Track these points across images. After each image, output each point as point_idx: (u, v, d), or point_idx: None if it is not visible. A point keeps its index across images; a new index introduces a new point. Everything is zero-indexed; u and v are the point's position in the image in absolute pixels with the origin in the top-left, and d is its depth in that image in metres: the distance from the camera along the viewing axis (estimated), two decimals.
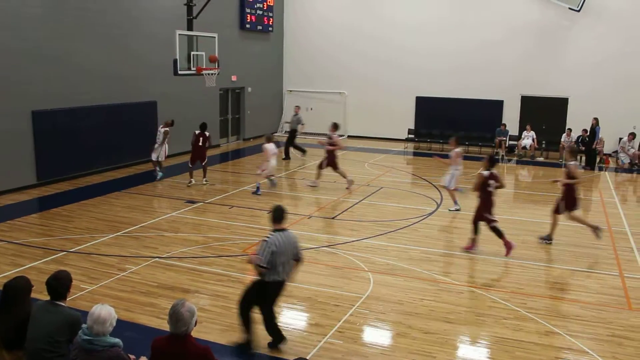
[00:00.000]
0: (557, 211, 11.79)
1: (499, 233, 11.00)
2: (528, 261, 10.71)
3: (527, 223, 13.21)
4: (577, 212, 11.82)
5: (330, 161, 16.24)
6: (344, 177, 16.14)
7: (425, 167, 20.56)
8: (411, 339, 7.56)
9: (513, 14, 23.85)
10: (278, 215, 7.01)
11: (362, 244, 11.52)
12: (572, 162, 11.85)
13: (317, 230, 12.49)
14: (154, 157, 16.91)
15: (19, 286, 5.49)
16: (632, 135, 21.17)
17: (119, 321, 7.76)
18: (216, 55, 16.32)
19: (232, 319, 8.03)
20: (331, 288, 9.21)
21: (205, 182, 16.54)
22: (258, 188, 15.57)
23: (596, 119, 21.30)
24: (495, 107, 24.61)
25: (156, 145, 16.75)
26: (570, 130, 22.15)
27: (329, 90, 27.65)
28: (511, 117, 24.25)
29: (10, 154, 14.78)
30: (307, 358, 6.61)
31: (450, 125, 24.69)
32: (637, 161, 21.07)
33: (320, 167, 16.42)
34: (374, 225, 12.99)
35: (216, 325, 7.86)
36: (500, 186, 11.28)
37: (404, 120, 25.89)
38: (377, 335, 7.82)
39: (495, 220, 11.04)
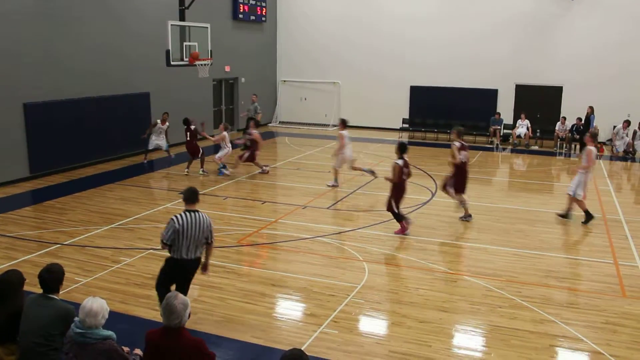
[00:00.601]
0: (444, 188, 12.75)
1: (399, 217, 11.36)
2: (523, 249, 10.73)
3: (522, 211, 13.22)
4: (452, 191, 12.51)
5: (251, 156, 16.53)
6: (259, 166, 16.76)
7: (420, 156, 20.53)
8: (406, 328, 7.57)
9: (507, 3, 23.76)
10: (187, 196, 7.15)
11: (357, 234, 11.51)
12: (457, 144, 12.35)
13: (311, 220, 12.47)
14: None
15: (11, 280, 5.46)
16: (627, 123, 21.18)
17: (113, 313, 7.76)
18: (197, 52, 16.18)
19: (228, 310, 8.05)
20: (326, 278, 9.20)
21: (201, 173, 16.49)
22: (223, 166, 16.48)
23: (591, 108, 21.29)
24: (489, 96, 24.58)
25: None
26: (564, 118, 22.15)
27: (322, 80, 27.57)
28: (505, 106, 24.21)
29: (3, 147, 14.68)
30: (302, 348, 6.59)
31: (444, 114, 24.70)
32: (631, 149, 21.11)
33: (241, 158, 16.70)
34: (368, 214, 12.98)
35: (211, 316, 7.85)
36: (410, 174, 11.61)
37: (398, 110, 25.85)
38: (372, 325, 7.82)
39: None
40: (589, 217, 12.27)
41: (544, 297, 8.63)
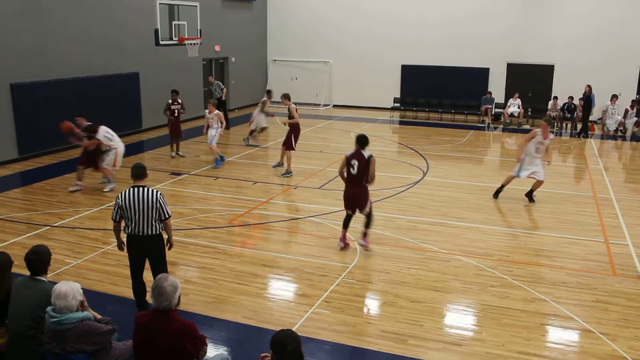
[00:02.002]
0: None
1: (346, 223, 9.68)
2: (514, 229, 10.75)
3: (513, 191, 13.21)
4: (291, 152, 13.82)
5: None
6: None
7: (412, 136, 20.50)
8: (398, 308, 7.57)
9: None
10: (133, 172, 7.14)
11: None
12: (292, 104, 14.07)
13: (303, 200, 12.43)
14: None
15: None
16: (616, 97, 21.08)
17: (104, 295, 7.77)
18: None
19: (219, 290, 8.02)
20: (317, 258, 9.18)
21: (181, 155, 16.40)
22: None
23: (589, 86, 20.92)
24: (481, 75, 24.49)
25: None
26: (556, 98, 22.12)
27: (313, 60, 27.37)
28: (497, 85, 24.15)
29: None
30: (294, 329, 6.59)
31: (436, 93, 24.67)
32: (621, 128, 21.12)
33: None
34: None
35: (202, 297, 7.82)
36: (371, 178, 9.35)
37: (390, 89, 25.74)
38: (364, 305, 7.81)
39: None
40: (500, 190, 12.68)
41: (535, 276, 8.65)
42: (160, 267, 7.08)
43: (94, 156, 12.95)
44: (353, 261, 9.07)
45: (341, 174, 9.52)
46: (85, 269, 8.71)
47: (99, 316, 5.14)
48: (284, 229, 10.68)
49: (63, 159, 15.98)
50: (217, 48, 23.78)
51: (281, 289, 8.30)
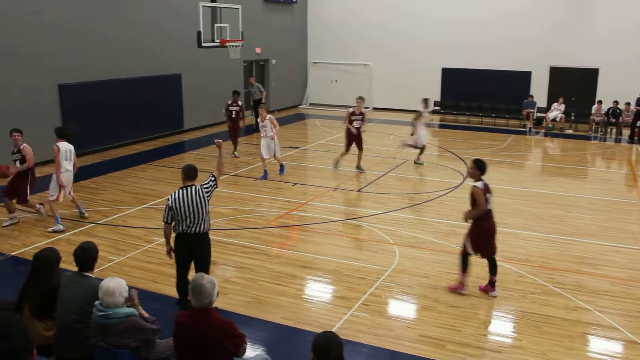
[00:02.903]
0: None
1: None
2: (556, 235, 10.56)
3: (555, 196, 13.01)
4: None
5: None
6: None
7: (452, 139, 20.33)
8: (437, 313, 7.52)
9: None
10: (183, 173, 7.28)
11: (387, 217, 11.46)
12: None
13: (342, 203, 12.45)
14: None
15: (48, 258, 5.55)
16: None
17: (146, 292, 7.89)
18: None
19: (258, 291, 8.09)
20: (357, 261, 9.19)
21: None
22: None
23: None
24: (523, 79, 24.13)
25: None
26: (600, 102, 21.67)
27: (353, 62, 27.37)
28: (539, 89, 23.75)
29: (39, 128, 14.86)
30: (333, 330, 6.60)
31: (476, 97, 24.41)
32: None
33: None
34: (399, 197, 12.91)
35: (241, 297, 7.90)
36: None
37: (430, 92, 25.30)
38: (402, 309, 7.79)
39: None
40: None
41: (577, 284, 8.50)
42: (203, 265, 7.22)
43: (20, 184, 10.78)
44: (392, 264, 9.05)
45: (483, 209, 8.04)
46: (127, 266, 8.89)
47: (146, 314, 5.25)
48: (323, 231, 10.71)
49: (107, 158, 16.32)
50: (257, 50, 23.98)
51: (320, 290, 8.33)
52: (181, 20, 18.73)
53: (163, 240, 9.85)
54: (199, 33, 15.17)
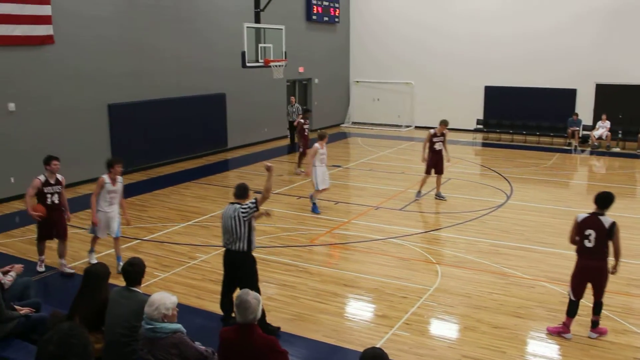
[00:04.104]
0: None
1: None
2: None
3: None
4: None
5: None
6: None
7: (495, 158, 20.12)
8: (480, 333, 7.45)
9: None
10: (235, 191, 7.50)
11: (429, 236, 11.41)
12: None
13: (384, 221, 12.44)
14: None
15: (98, 272, 5.74)
16: None
17: (189, 308, 8.03)
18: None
19: (300, 308, 8.14)
20: (398, 280, 9.17)
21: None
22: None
23: None
24: (567, 96, 23.76)
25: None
26: None
27: (396, 81, 27.40)
28: (585, 106, 23.32)
29: (89, 146, 15.38)
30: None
31: (520, 115, 24.13)
32: None
33: None
34: (441, 216, 12.84)
35: (283, 314, 7.96)
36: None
37: (473, 111, 25.38)
38: (444, 328, 7.73)
39: None
40: None
41: (626, 306, 8.30)
42: (246, 285, 7.28)
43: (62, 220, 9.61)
44: (434, 284, 9.00)
45: (572, 242, 7.58)
46: (172, 282, 9.05)
47: (202, 347, 5.22)
48: (364, 250, 10.72)
49: (153, 175, 16.69)
50: (300, 70, 24.24)
51: (361, 309, 8.33)
52: (226, 41, 19.12)
53: (206, 257, 10.12)
54: (243, 53, 15.43)
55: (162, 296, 4.98)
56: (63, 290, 8.88)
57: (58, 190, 9.32)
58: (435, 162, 14.04)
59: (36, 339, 6.09)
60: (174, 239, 11.12)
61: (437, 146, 14.04)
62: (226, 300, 7.49)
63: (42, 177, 9.19)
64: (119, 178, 9.59)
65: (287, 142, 22.45)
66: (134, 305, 5.32)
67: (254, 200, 7.35)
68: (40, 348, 3.14)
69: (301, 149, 17.06)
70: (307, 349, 7.12)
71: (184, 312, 7.66)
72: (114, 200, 9.50)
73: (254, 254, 7.46)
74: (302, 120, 17.38)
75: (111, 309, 5.47)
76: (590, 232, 7.19)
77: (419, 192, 14.29)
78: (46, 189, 9.17)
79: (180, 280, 9.14)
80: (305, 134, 17.16)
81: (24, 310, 6.29)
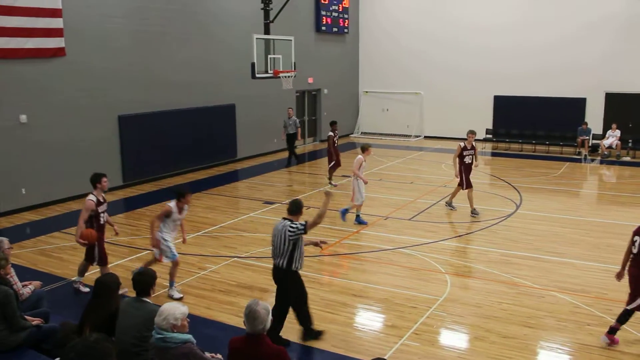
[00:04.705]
0: None
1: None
2: (614, 265, 10.26)
3: (612, 225, 12.69)
4: None
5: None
6: None
7: (504, 167, 20.08)
8: (489, 343, 7.43)
9: (594, 6, 22.85)
10: (289, 207, 7.49)
11: (439, 246, 11.40)
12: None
13: (393, 232, 12.43)
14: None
15: (108, 282, 5.79)
16: None
17: (199, 318, 8.05)
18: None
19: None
20: (408, 290, 9.16)
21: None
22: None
23: None
24: (577, 106, 23.70)
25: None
26: None
27: (405, 91, 27.44)
28: (595, 116, 23.25)
29: (100, 158, 15.47)
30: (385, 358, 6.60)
31: (530, 124, 24.09)
32: None
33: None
34: (451, 226, 12.84)
35: (293, 324, 7.96)
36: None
37: (482, 120, 25.33)
38: (454, 339, 7.71)
39: None
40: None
41: (637, 316, 8.21)
42: (283, 300, 7.43)
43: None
44: (443, 294, 8.98)
45: (627, 252, 7.54)
46: (181, 292, 9.07)
47: (211, 354, 5.26)
48: (374, 260, 10.72)
49: (163, 186, 16.77)
50: (310, 80, 24.34)
51: (370, 319, 8.33)
52: (236, 53, 19.26)
53: (215, 267, 10.16)
54: (252, 64, 15.52)
55: (172, 306, 5.01)
56: (73, 300, 8.92)
57: (106, 209, 8.91)
58: (467, 176, 13.85)
59: (48, 348, 6.16)
60: (183, 249, 11.14)
61: (468, 159, 13.91)
62: (276, 312, 7.32)
63: (93, 198, 8.59)
64: (186, 207, 9.07)
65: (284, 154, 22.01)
66: (145, 315, 5.35)
67: (304, 223, 7.26)
68: (62, 355, 3.33)
69: (333, 162, 16.79)
70: (316, 359, 7.12)
71: (193, 322, 7.71)
72: (176, 227, 9.08)
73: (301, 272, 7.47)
74: (331, 134, 16.76)
75: (121, 319, 5.51)
76: (637, 239, 7.28)
77: (450, 203, 14.17)
78: (100, 209, 8.70)
79: (190, 291, 9.18)
80: (335, 146, 16.80)
81: (36, 321, 6.38)
